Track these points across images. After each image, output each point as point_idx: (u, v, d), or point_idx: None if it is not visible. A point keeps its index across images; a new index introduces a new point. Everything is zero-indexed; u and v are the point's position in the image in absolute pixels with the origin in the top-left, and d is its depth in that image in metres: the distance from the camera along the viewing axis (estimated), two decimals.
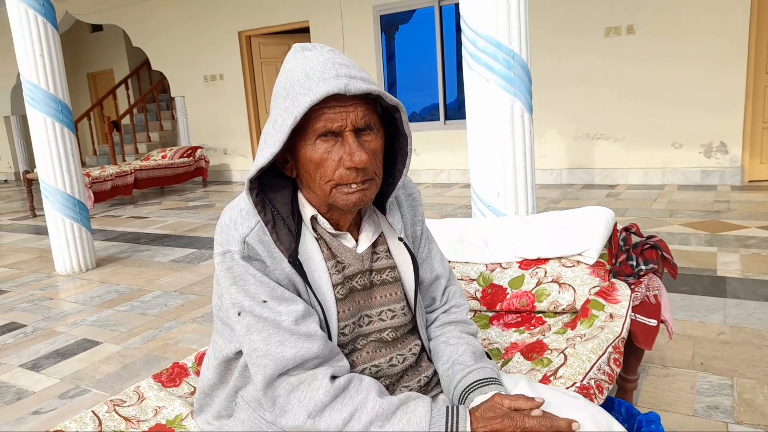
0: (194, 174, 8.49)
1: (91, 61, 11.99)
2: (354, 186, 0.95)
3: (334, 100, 0.91)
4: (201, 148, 8.63)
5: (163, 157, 8.29)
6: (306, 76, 0.91)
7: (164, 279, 3.92)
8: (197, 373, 1.39)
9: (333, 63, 0.92)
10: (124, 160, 9.09)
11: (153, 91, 10.32)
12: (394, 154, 1.06)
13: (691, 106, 5.78)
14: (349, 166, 0.93)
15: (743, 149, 5.68)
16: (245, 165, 9.07)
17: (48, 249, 4.80)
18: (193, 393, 1.34)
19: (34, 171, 6.93)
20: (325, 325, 1.00)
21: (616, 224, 1.81)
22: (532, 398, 0.93)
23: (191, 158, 8.38)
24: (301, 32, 8.36)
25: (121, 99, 10.67)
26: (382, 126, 1.00)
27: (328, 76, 0.90)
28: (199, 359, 1.43)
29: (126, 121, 10.23)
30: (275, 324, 0.94)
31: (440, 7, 7.04)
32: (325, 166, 0.95)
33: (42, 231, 5.93)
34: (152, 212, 6.81)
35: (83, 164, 9.97)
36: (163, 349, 2.72)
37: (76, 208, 4.16)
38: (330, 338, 1.00)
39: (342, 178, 0.95)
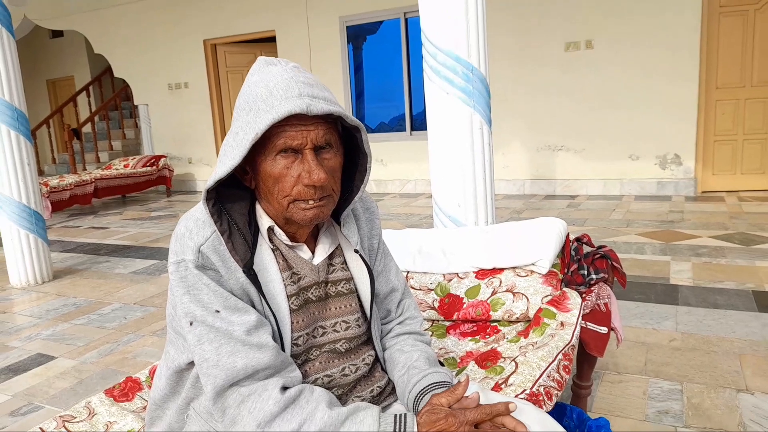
0: (157, 182, 8.35)
1: (51, 68, 11.69)
2: (311, 202, 0.97)
3: (295, 118, 0.93)
4: (165, 157, 8.49)
5: (126, 166, 8.13)
6: (269, 93, 0.93)
7: (124, 291, 3.84)
8: (150, 387, 1.38)
9: (296, 81, 0.94)
10: (84, 169, 8.88)
11: (115, 99, 10.11)
12: (353, 168, 1.08)
13: (647, 119, 5.98)
14: (308, 184, 0.95)
15: (696, 161, 5.90)
16: (210, 174, 8.94)
17: (2, 261, 4.64)
18: (146, 407, 1.32)
19: None
20: (278, 336, 1.01)
21: (568, 235, 1.86)
22: (459, 381, 0.97)
23: (154, 167, 8.24)
24: (268, 41, 8.34)
25: (82, 106, 10.42)
26: (342, 144, 1.02)
27: (291, 94, 0.92)
28: (153, 373, 1.42)
29: (87, 129, 10.00)
30: (227, 334, 0.94)
31: (406, 19, 7.12)
32: (283, 181, 0.96)
33: None
34: (113, 222, 6.66)
35: (41, 173, 9.69)
36: (121, 363, 2.67)
37: (32, 219, 4.05)
38: (283, 349, 1.01)
39: (300, 194, 0.97)
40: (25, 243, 4.05)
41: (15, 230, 4.01)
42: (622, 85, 6.01)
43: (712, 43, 5.68)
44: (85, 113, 10.41)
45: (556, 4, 6.16)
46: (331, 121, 0.98)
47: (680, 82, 5.77)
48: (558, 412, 1.37)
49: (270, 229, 1.03)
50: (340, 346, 1.09)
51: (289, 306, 1.02)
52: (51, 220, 6.82)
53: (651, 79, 5.88)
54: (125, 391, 1.34)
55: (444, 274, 1.80)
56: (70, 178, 7.09)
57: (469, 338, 1.62)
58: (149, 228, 6.13)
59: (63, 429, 1.20)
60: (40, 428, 1.18)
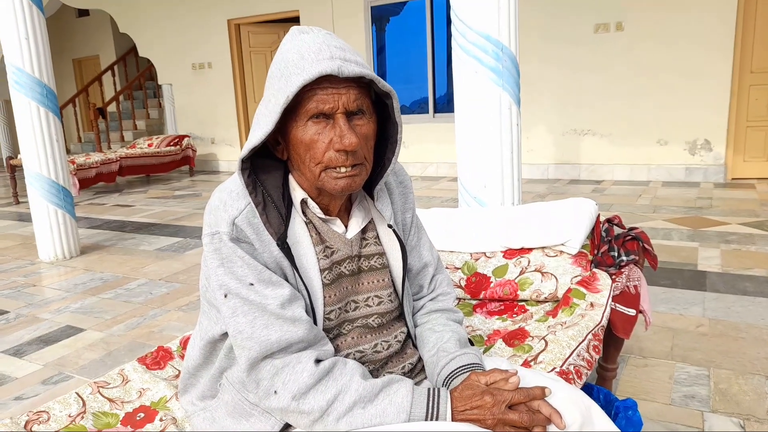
0: (181, 163, 8.42)
1: (77, 47, 11.82)
2: (343, 170, 0.95)
3: (326, 81, 0.91)
4: (188, 136, 8.56)
5: (150, 145, 8.21)
6: (301, 57, 0.91)
7: (149, 267, 3.90)
8: (182, 357, 1.40)
9: (328, 45, 0.92)
10: (109, 148, 9.00)
11: (140, 79, 10.20)
12: (384, 141, 1.06)
13: (677, 104, 5.84)
14: (339, 149, 0.93)
15: (727, 147, 5.76)
16: (232, 155, 9.01)
17: (31, 236, 4.75)
18: (177, 376, 1.34)
19: (18, 157, 6.84)
20: (311, 310, 1.00)
21: (599, 215, 1.83)
22: (506, 370, 0.95)
23: (178, 147, 8.31)
24: (291, 21, 8.30)
25: (107, 86, 10.54)
26: (375, 111, 1.00)
27: (323, 57, 0.90)
28: (184, 343, 1.44)
29: (112, 108, 10.12)
30: (261, 307, 0.94)
31: (431, 0, 7.02)
32: (315, 147, 0.95)
33: (25, 218, 5.86)
34: (138, 201, 6.75)
35: (68, 151, 9.84)
36: (148, 337, 2.72)
37: (60, 195, 4.12)
38: (315, 323, 1.00)
39: (331, 161, 0.95)
40: (53, 218, 4.12)
41: (44, 206, 4.09)
42: (652, 69, 5.87)
43: (747, 27, 5.50)
44: (110, 92, 10.53)
45: None
46: (363, 86, 0.96)
47: (713, 66, 5.62)
48: (585, 393, 1.36)
49: (303, 202, 1.02)
50: (373, 321, 1.08)
51: (322, 280, 1.01)
52: (78, 197, 6.94)
53: (682, 63, 5.73)
54: (157, 359, 1.37)
55: (471, 253, 1.79)
56: (95, 156, 7.19)
57: (496, 317, 1.61)
58: (173, 207, 6.21)
59: (98, 394, 1.23)
60: (77, 393, 1.21)
